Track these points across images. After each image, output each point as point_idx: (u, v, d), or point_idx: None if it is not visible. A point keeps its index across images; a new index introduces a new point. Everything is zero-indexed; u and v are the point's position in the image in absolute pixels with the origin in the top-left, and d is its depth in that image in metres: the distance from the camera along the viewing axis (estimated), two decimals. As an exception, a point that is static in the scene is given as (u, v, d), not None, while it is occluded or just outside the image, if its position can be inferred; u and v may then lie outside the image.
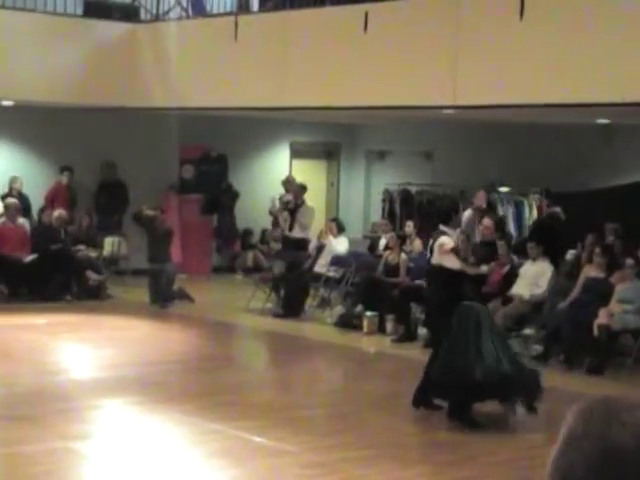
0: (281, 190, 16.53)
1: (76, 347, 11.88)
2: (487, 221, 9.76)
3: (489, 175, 16.42)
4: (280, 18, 13.80)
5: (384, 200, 18.20)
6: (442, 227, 9.75)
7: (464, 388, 8.37)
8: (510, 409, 8.62)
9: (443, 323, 8.79)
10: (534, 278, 12.11)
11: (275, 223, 16.85)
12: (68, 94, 14.92)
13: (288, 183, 16.53)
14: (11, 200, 15.41)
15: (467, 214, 10.80)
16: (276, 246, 16.29)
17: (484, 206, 11.83)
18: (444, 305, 9.03)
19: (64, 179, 16.70)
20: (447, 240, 9.52)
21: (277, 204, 16.35)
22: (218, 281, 17.14)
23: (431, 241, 9.85)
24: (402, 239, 14.23)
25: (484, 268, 9.14)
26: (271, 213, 16.91)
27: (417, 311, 12.59)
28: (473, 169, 16.89)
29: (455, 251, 9.41)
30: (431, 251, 9.73)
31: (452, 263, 9.44)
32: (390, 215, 17.70)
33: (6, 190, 16.11)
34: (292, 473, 7.38)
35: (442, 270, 9.47)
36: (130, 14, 15.88)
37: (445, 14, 11.93)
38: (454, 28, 11.75)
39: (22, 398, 9.26)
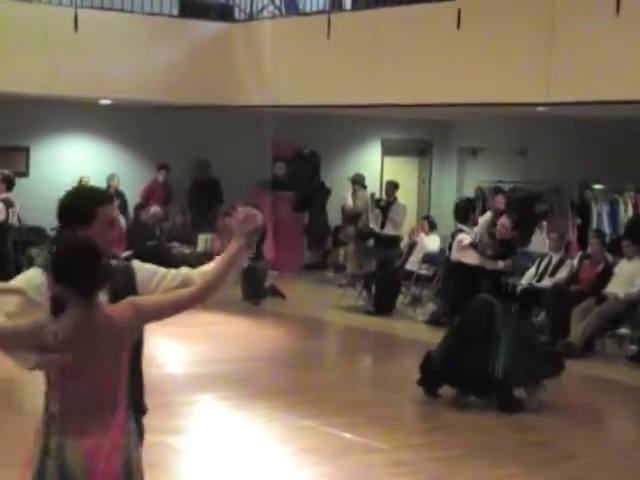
0: (371, 188, 16.54)
1: (169, 343, 12.05)
2: (504, 220, 9.83)
3: (583, 172, 16.21)
4: (373, 16, 13.81)
5: (476, 197, 18.07)
6: (460, 225, 10.09)
7: (474, 378, 8.88)
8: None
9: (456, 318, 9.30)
10: (629, 277, 11.93)
11: (347, 220, 16.84)
12: (164, 93, 15.16)
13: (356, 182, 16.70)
14: (109, 197, 15.66)
15: (486, 215, 11.13)
16: (350, 243, 16.30)
17: (502, 208, 11.85)
18: (461, 299, 9.48)
19: (160, 177, 16.98)
20: (465, 236, 9.83)
21: (349, 202, 16.48)
22: (309, 278, 17.23)
23: (450, 239, 10.16)
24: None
25: (501, 264, 9.51)
26: (344, 210, 16.95)
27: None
28: (567, 166, 16.67)
29: (473, 246, 9.69)
30: (449, 248, 10.09)
31: (471, 258, 9.67)
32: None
33: (104, 188, 16.41)
34: (382, 471, 7.40)
35: (460, 266, 9.78)
36: (225, 13, 16.06)
37: (539, 9, 11.81)
38: (548, 23, 11.63)
39: (118, 392, 9.43)
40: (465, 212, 10.27)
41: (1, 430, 7.96)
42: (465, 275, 9.72)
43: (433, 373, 9.26)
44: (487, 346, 8.89)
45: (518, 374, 8.92)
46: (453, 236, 10.13)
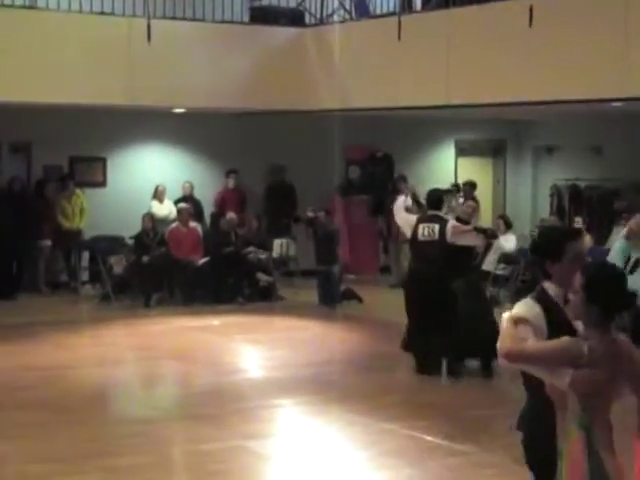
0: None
1: (249, 348, 12.14)
2: (471, 202, 11.49)
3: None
4: (444, 16, 13.75)
5: (552, 196, 17.91)
6: (435, 212, 10.83)
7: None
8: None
9: (446, 296, 10.31)
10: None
11: None
12: (237, 99, 15.26)
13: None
14: (183, 205, 15.87)
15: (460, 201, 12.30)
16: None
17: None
18: (449, 279, 10.38)
19: (230, 182, 17.08)
20: (458, 223, 10.70)
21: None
22: (385, 281, 17.20)
23: (422, 226, 10.73)
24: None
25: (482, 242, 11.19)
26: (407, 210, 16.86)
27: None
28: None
29: (478, 231, 10.78)
30: (441, 233, 10.59)
31: (473, 240, 10.79)
32: (559, 211, 17.41)
33: (180, 195, 16.60)
34: (466, 473, 7.36)
35: (456, 248, 10.52)
36: (295, 19, 16.10)
37: (612, 3, 11.66)
38: (622, 17, 11.49)
39: (200, 398, 9.54)
40: (437, 200, 10.97)
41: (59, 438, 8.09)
42: (459, 256, 10.56)
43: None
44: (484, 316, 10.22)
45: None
46: (432, 220, 10.71)
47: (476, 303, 10.50)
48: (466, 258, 10.91)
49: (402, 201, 11.42)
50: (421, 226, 10.73)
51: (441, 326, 10.33)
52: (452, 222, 10.73)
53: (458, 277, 10.44)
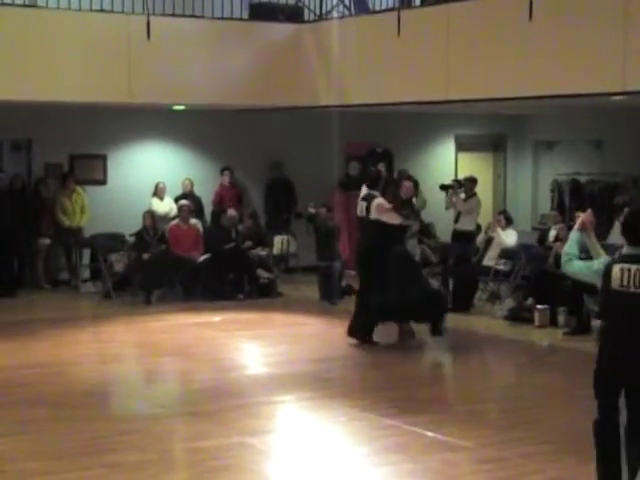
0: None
1: (250, 344, 12.12)
2: (408, 183, 12.19)
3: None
4: (443, 11, 13.74)
5: (553, 191, 17.91)
6: (369, 190, 12.24)
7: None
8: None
9: (375, 266, 11.46)
10: None
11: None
12: (236, 96, 15.25)
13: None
14: (184, 202, 15.86)
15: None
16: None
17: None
18: (377, 252, 11.48)
19: (225, 179, 17.07)
20: (383, 200, 11.67)
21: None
22: (386, 276, 17.15)
23: (359, 203, 12.35)
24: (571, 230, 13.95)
25: (409, 221, 12.07)
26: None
27: (590, 303, 12.32)
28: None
29: (396, 209, 11.57)
30: (367, 210, 11.93)
31: (394, 218, 11.58)
32: (559, 206, 17.39)
33: (180, 192, 16.60)
34: (468, 468, 7.35)
35: (379, 224, 11.58)
36: (294, 15, 16.09)
37: (612, -2, 11.66)
38: (622, 11, 11.47)
39: (200, 394, 9.53)
40: (375, 179, 12.54)
41: (76, 434, 8.09)
42: (383, 232, 11.57)
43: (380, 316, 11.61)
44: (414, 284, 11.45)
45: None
46: (365, 199, 12.17)
47: (406, 272, 11.52)
48: (396, 233, 11.74)
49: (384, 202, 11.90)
50: (359, 203, 12.26)
51: (372, 293, 11.51)
52: (377, 200, 11.75)
53: (387, 250, 11.46)
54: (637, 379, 5.99)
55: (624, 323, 6.01)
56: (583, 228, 6.44)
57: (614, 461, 6.10)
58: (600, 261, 6.23)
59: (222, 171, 17.06)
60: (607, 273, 6.05)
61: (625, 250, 6.12)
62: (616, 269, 6.01)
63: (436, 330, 11.89)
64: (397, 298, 11.39)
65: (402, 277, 11.43)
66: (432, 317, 11.85)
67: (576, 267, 6.34)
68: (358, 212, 12.21)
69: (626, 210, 6.39)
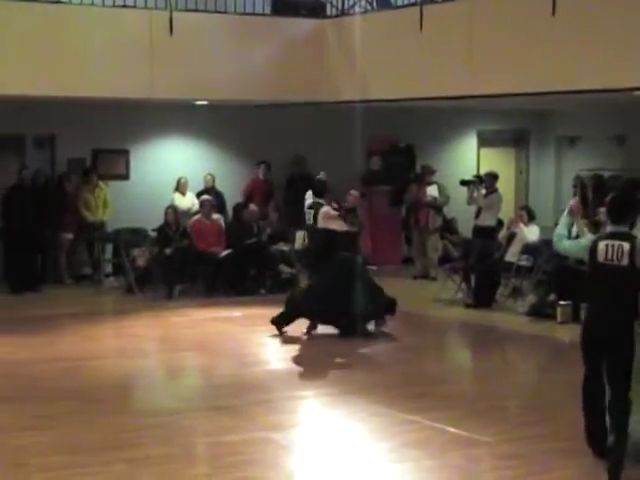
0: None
1: (271, 339, 12.14)
2: (354, 192, 12.47)
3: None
4: (465, 6, 13.70)
5: (575, 186, 17.81)
6: (317, 199, 12.64)
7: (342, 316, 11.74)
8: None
9: (323, 271, 12.02)
10: None
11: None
12: (259, 91, 15.28)
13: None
14: (206, 197, 15.90)
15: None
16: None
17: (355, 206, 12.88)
18: (324, 258, 12.05)
19: (260, 173, 17.11)
20: (329, 209, 12.22)
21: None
22: (408, 272, 17.18)
23: (307, 210, 12.90)
24: (595, 225, 13.90)
25: (354, 228, 12.16)
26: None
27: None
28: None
29: (342, 217, 12.06)
30: (314, 219, 12.47)
31: (338, 225, 12.05)
32: (582, 201, 17.27)
33: (202, 187, 16.64)
34: (488, 464, 7.36)
35: (327, 232, 12.10)
36: (317, 10, 16.10)
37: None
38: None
39: (222, 389, 9.56)
40: (321, 189, 12.96)
41: (95, 428, 8.13)
42: (331, 238, 12.07)
43: (295, 311, 11.90)
44: (350, 291, 11.65)
45: (368, 311, 11.81)
46: (312, 207, 12.72)
47: (347, 279, 11.87)
48: (345, 240, 12.11)
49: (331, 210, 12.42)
50: (306, 212, 12.73)
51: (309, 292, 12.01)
52: (323, 209, 12.27)
53: (331, 256, 12.02)
54: (614, 341, 6.91)
55: (606, 291, 6.98)
56: (572, 213, 7.56)
57: (598, 414, 7.08)
58: (587, 238, 7.29)
59: (258, 164, 17.10)
60: (594, 248, 7.04)
61: (609, 228, 7.12)
62: (601, 245, 7.00)
63: (376, 324, 12.20)
64: (335, 303, 11.69)
65: (343, 284, 11.78)
66: (373, 316, 12.13)
67: (567, 245, 7.49)
68: (306, 220, 12.55)
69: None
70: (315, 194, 12.79)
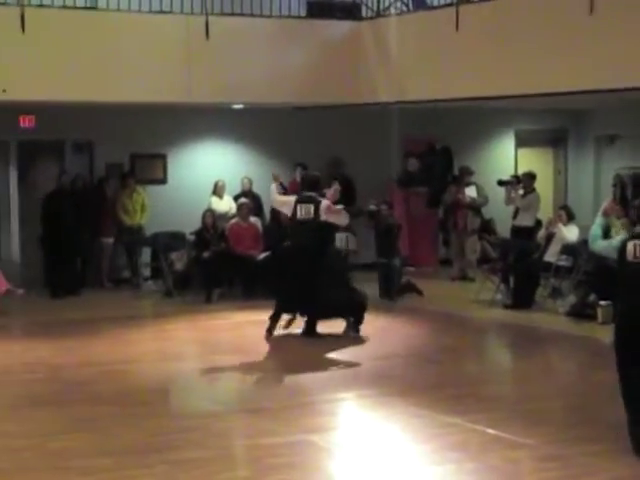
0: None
1: (309, 341, 12.13)
2: (335, 186, 12.62)
3: None
4: (502, 6, 13.64)
5: (615, 185, 17.68)
6: (310, 193, 12.16)
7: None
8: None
9: (318, 265, 11.90)
10: None
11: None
12: (295, 94, 15.30)
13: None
14: (243, 200, 15.93)
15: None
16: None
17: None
18: (324, 251, 12.09)
19: (297, 175, 17.12)
20: (329, 202, 12.10)
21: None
22: (445, 273, 17.12)
23: (300, 206, 12.10)
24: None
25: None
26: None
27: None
28: None
29: (346, 209, 12.32)
30: (315, 213, 12.01)
31: (344, 219, 12.38)
32: (622, 200, 17.16)
33: (239, 190, 16.67)
34: (530, 466, 7.30)
35: (327, 225, 12.11)
36: (352, 12, 16.08)
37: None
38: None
39: (261, 392, 9.58)
40: (314, 183, 12.41)
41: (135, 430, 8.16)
42: (331, 232, 12.43)
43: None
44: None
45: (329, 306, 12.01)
46: (309, 202, 12.10)
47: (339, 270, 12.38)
48: (331, 234, 12.55)
49: (274, 187, 12.99)
50: (299, 206, 12.08)
51: (312, 291, 11.89)
52: (325, 202, 12.10)
53: (326, 251, 12.15)
54: None
55: (636, 289, 7.28)
56: (605, 213, 8.00)
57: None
58: (617, 239, 7.73)
59: (295, 166, 17.13)
60: (623, 248, 7.40)
61: (637, 229, 7.56)
62: (630, 245, 7.34)
63: (354, 328, 12.21)
64: (323, 297, 11.93)
65: (334, 276, 12.12)
66: (351, 315, 12.26)
67: (600, 245, 7.90)
68: (303, 215, 12.11)
69: None
70: (307, 188, 12.38)
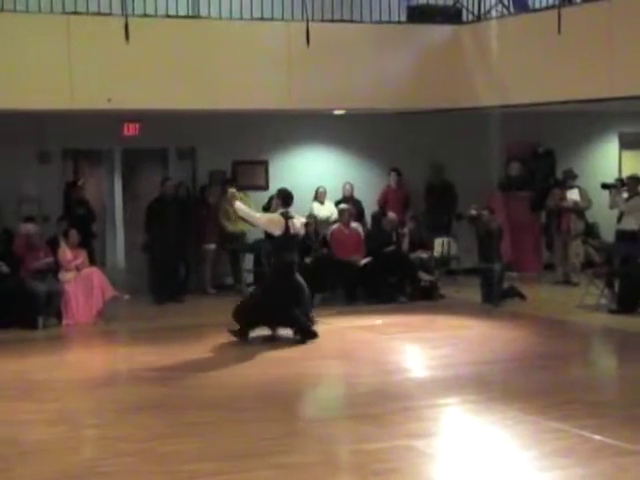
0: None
1: (412, 347, 12.12)
2: (346, 206, 13.91)
3: None
4: (605, 7, 13.44)
5: None
6: (286, 209, 12.40)
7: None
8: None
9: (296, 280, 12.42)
10: None
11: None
12: (396, 99, 15.31)
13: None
14: (345, 205, 15.98)
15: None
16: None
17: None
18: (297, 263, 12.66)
19: (392, 181, 17.12)
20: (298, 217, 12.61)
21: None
22: (549, 278, 16.92)
23: (290, 221, 12.32)
24: None
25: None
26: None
27: None
28: None
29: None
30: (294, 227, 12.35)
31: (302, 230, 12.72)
32: None
33: (340, 196, 16.73)
34: (638, 473, 7.16)
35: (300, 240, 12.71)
36: (452, 16, 16.03)
37: None
38: None
39: (364, 397, 9.57)
40: (288, 197, 12.58)
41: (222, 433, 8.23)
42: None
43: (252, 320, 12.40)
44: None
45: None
46: (291, 217, 12.38)
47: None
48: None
49: (243, 206, 12.99)
50: (289, 222, 12.31)
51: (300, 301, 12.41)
52: (300, 218, 12.65)
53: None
54: None
55: None
56: None
57: None
58: None
59: (389, 172, 17.14)
60: None
61: None
62: None
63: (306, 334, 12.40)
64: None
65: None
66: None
67: None
68: (298, 230, 12.49)
69: None
70: (284, 202, 12.53)
